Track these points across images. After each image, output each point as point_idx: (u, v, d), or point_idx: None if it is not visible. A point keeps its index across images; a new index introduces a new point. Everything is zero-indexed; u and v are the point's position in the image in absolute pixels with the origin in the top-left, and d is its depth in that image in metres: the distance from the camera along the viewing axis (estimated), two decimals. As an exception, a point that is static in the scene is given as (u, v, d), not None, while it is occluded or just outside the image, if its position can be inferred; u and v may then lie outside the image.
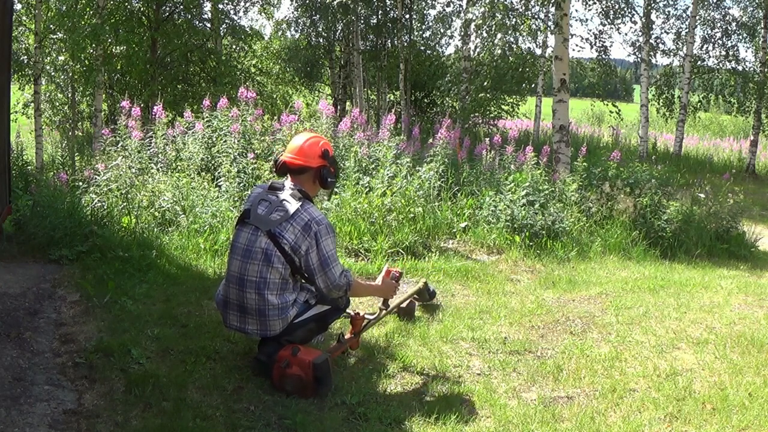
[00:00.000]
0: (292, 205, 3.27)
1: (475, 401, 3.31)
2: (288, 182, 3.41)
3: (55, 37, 12.84)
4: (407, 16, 16.72)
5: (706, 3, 16.57)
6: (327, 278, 3.29)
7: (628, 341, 4.23)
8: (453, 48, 29.37)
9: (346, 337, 3.68)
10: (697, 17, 16.20)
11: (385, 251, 5.75)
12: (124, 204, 5.69)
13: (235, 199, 6.24)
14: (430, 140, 7.86)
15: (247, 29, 15.37)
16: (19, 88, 14.81)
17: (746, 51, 48.07)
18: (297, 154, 3.40)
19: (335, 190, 6.49)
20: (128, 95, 9.17)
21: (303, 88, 20.61)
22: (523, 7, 10.68)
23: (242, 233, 3.32)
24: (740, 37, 16.59)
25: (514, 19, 10.44)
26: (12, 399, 2.94)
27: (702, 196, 7.60)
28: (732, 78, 16.64)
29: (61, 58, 13.77)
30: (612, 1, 14.91)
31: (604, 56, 14.75)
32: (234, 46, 16.86)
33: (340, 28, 17.97)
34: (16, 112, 14.39)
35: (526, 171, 7.31)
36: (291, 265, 3.25)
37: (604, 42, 15.04)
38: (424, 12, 17.90)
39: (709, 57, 16.65)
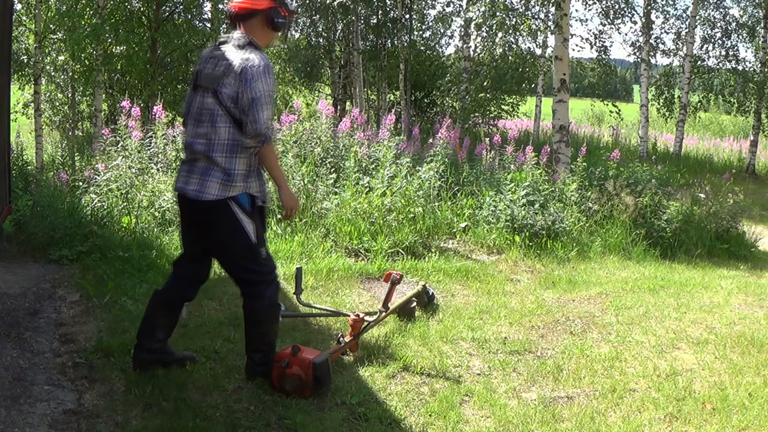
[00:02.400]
0: (235, 55, 3.02)
1: (475, 401, 3.31)
2: (236, 33, 3.13)
3: (55, 37, 12.82)
4: (407, 16, 16.69)
5: (706, 3, 16.57)
6: (253, 121, 2.95)
7: (628, 341, 4.23)
8: (453, 48, 29.43)
9: (345, 339, 3.68)
10: (697, 17, 16.19)
11: (385, 251, 5.75)
12: (124, 204, 5.69)
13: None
14: (430, 140, 7.86)
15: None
16: (19, 88, 14.80)
17: (746, 51, 48.12)
18: None
19: (335, 189, 6.49)
20: (128, 95, 9.18)
21: (303, 88, 20.59)
22: (523, 7, 10.69)
23: (194, 98, 3.12)
24: (740, 37, 16.59)
25: (514, 19, 10.45)
26: (12, 399, 2.94)
27: (702, 196, 7.60)
28: (732, 78, 16.64)
29: (61, 58, 13.74)
30: (612, 1, 14.91)
31: (604, 56, 14.75)
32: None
33: (340, 28, 17.96)
34: (16, 112, 14.37)
35: (526, 171, 7.32)
36: (237, 125, 3.01)
37: (604, 42, 15.08)
38: (424, 12, 17.89)
39: (709, 57, 16.66)
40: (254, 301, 3.19)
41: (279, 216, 6.11)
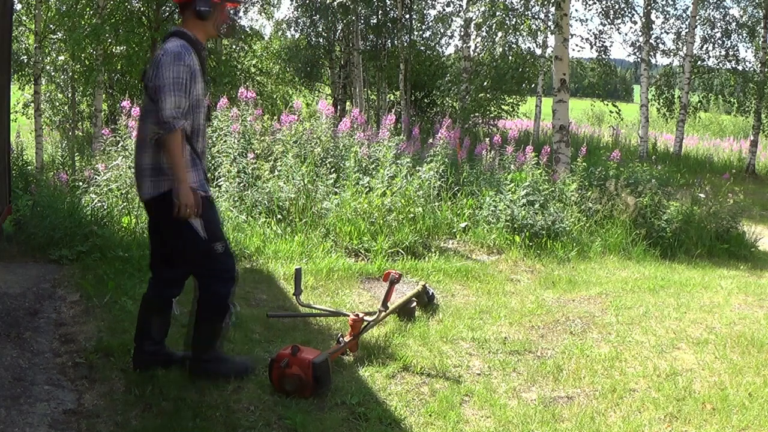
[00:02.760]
0: (160, 48, 3.02)
1: (475, 401, 3.31)
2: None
3: (55, 37, 12.82)
4: (407, 16, 16.70)
5: (706, 3, 16.57)
6: (160, 108, 2.87)
7: (628, 341, 4.23)
8: (453, 48, 29.40)
9: (345, 339, 3.68)
10: (697, 17, 16.19)
11: (385, 251, 5.75)
12: (124, 204, 5.69)
13: (235, 199, 6.24)
14: (430, 140, 7.87)
15: (247, 29, 15.37)
16: (19, 88, 14.80)
17: (746, 51, 48.13)
18: None
19: (335, 189, 6.49)
20: (128, 95, 9.17)
21: (303, 88, 20.60)
22: (523, 7, 10.68)
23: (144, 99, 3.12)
24: (740, 37, 16.60)
25: (514, 19, 10.44)
26: (12, 399, 2.94)
27: (702, 196, 7.60)
28: (732, 78, 16.64)
29: (61, 58, 13.75)
30: (612, 1, 14.91)
31: (604, 56, 14.74)
32: (234, 46, 16.85)
33: (340, 28, 17.97)
34: (16, 112, 14.38)
35: (526, 171, 7.32)
36: None
37: (604, 42, 15.08)
38: (424, 12, 17.89)
39: (709, 57, 16.67)
40: (204, 294, 3.13)
41: (279, 216, 6.11)
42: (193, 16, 3.07)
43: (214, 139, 7.09)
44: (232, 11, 3.25)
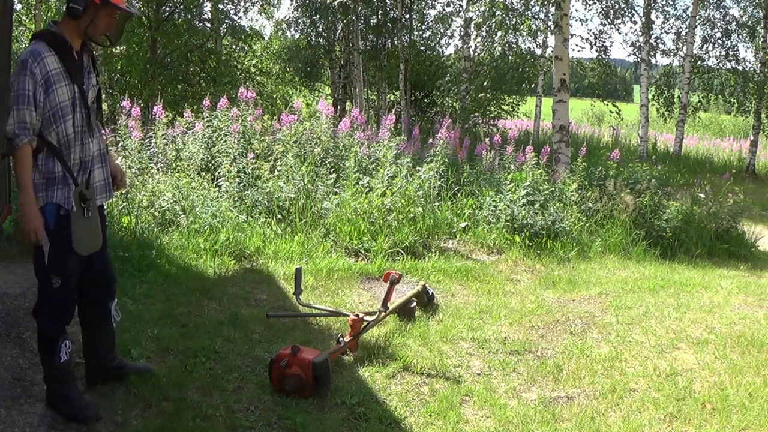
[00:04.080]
0: None
1: (475, 401, 3.31)
2: None
3: (55, 37, 12.82)
4: (407, 16, 16.70)
5: (706, 3, 16.57)
6: (6, 123, 2.62)
7: (628, 341, 4.23)
8: (453, 48, 29.40)
9: (345, 339, 3.68)
10: (697, 17, 16.19)
11: (385, 251, 5.75)
12: (124, 204, 5.69)
13: (235, 199, 6.24)
14: (430, 140, 7.87)
15: (247, 29, 15.37)
16: (19, 88, 14.79)
17: (746, 51, 48.14)
18: None
19: (335, 189, 6.48)
20: (128, 95, 9.17)
21: (303, 88, 20.59)
22: (523, 7, 10.68)
23: None
24: (740, 37, 16.59)
25: (514, 19, 10.45)
26: (12, 399, 2.94)
27: (702, 196, 7.60)
28: (732, 78, 16.64)
29: (61, 58, 13.74)
30: (612, 1, 14.91)
31: (604, 56, 14.74)
32: (234, 46, 16.85)
33: (340, 28, 17.96)
34: (16, 112, 14.37)
35: (526, 171, 7.32)
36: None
37: (604, 42, 15.08)
38: (424, 12, 17.88)
39: (709, 57, 16.67)
40: (38, 320, 2.87)
41: (279, 216, 6.11)
42: (66, 13, 2.74)
43: (214, 139, 7.09)
44: (118, 17, 2.84)
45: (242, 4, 16.61)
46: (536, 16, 12.45)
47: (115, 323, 3.14)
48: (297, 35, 19.71)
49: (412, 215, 6.35)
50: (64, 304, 2.85)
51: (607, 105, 11.62)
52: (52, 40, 2.71)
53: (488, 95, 13.00)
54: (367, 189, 6.47)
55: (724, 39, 16.46)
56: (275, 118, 7.81)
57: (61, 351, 2.82)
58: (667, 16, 17.92)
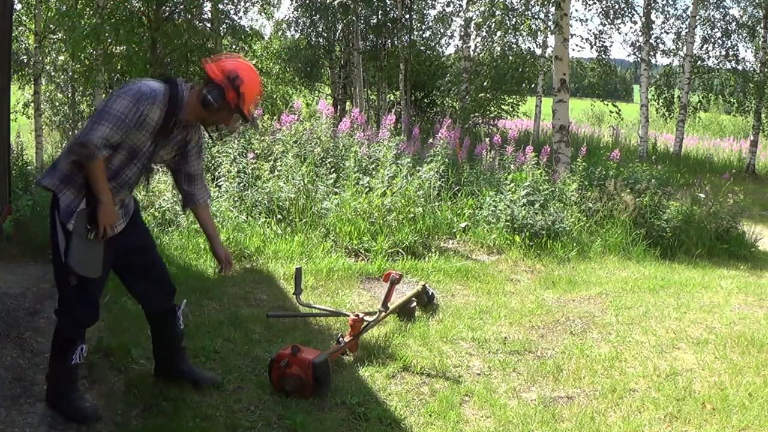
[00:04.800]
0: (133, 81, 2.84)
1: (475, 401, 3.31)
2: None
3: (55, 37, 12.82)
4: (407, 16, 16.70)
5: (706, 3, 16.57)
6: (85, 132, 2.63)
7: (628, 341, 4.23)
8: (453, 48, 29.40)
9: (345, 339, 3.68)
10: (697, 17, 16.19)
11: (385, 251, 5.75)
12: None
13: (235, 199, 6.24)
14: (430, 140, 7.87)
15: (247, 29, 15.35)
16: (19, 88, 14.80)
17: (746, 51, 48.13)
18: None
19: (335, 189, 6.48)
20: (128, 95, 9.15)
21: (303, 88, 20.58)
22: (523, 7, 10.68)
23: None
24: (740, 37, 16.59)
25: (514, 19, 10.45)
26: (12, 399, 2.94)
27: (702, 196, 7.60)
28: (732, 78, 16.64)
29: (61, 58, 13.74)
30: (612, 1, 14.91)
31: (604, 56, 14.75)
32: (234, 46, 16.84)
33: (340, 28, 17.96)
34: (16, 112, 14.37)
35: (526, 171, 7.32)
36: None
37: (604, 42, 15.08)
38: (424, 12, 17.88)
39: (709, 57, 16.66)
40: (58, 318, 2.89)
41: (279, 216, 6.11)
42: (199, 93, 2.80)
43: (214, 138, 7.08)
44: (238, 122, 2.92)
45: (242, 4, 16.59)
46: (536, 16, 12.45)
47: (183, 325, 3.19)
48: (297, 35, 19.71)
49: (412, 215, 6.35)
50: (83, 304, 2.82)
51: (607, 105, 11.62)
52: (173, 99, 2.75)
53: (488, 95, 13.00)
54: (367, 189, 6.47)
55: (724, 39, 16.46)
56: (275, 118, 7.80)
57: (75, 354, 2.83)
58: (667, 16, 17.90)
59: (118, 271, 2.99)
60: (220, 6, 14.86)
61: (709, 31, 16.68)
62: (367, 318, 3.83)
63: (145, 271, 3.02)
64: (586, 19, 41.96)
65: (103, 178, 2.70)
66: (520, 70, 12.76)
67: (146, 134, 2.74)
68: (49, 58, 13.58)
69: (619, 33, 79.63)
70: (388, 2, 16.90)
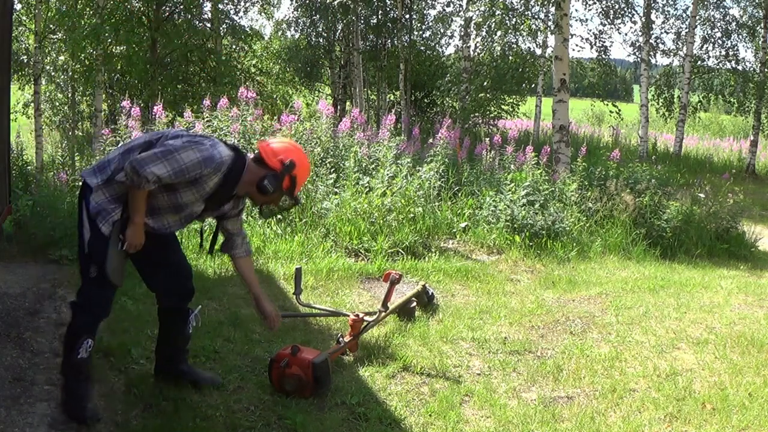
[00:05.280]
0: (207, 139, 2.89)
1: (475, 401, 3.31)
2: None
3: (55, 37, 12.83)
4: (407, 16, 16.70)
5: (706, 3, 16.57)
6: (144, 160, 2.65)
7: (628, 341, 4.23)
8: (453, 48, 29.38)
9: (345, 339, 3.68)
10: (697, 17, 16.19)
11: (385, 251, 5.75)
12: (124, 204, 5.67)
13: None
14: (430, 140, 7.86)
15: (247, 29, 15.36)
16: (19, 88, 14.80)
17: (746, 51, 48.14)
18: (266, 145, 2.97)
19: (335, 189, 6.48)
20: (128, 95, 9.16)
21: (303, 88, 20.59)
22: (523, 7, 10.69)
23: None
24: (740, 37, 16.59)
25: (514, 19, 10.45)
26: (12, 399, 2.94)
27: (702, 196, 7.60)
28: (732, 78, 16.64)
29: (61, 58, 13.75)
30: (612, 1, 14.91)
31: (604, 56, 14.74)
32: (234, 46, 16.85)
33: (340, 28, 17.97)
34: (16, 112, 14.37)
35: (526, 171, 7.32)
36: None
37: (604, 42, 15.09)
38: (424, 12, 17.89)
39: (709, 57, 16.66)
40: (73, 311, 2.92)
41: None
42: (256, 176, 2.85)
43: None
44: (285, 201, 3.01)
45: (242, 4, 16.61)
46: (536, 16, 12.45)
47: (191, 329, 3.21)
48: (297, 35, 19.72)
49: (412, 215, 6.35)
50: (100, 298, 2.88)
51: (607, 105, 11.62)
52: (232, 172, 2.81)
53: (488, 95, 13.00)
54: (367, 189, 6.47)
55: (724, 39, 16.46)
56: (275, 118, 7.80)
57: (80, 348, 2.85)
58: (667, 16, 17.90)
59: (138, 264, 3.07)
60: (220, 6, 14.87)
61: (709, 31, 16.69)
62: (367, 318, 3.83)
63: (166, 267, 3.10)
64: (586, 19, 42.03)
65: (142, 204, 2.77)
66: (520, 70, 12.76)
67: (198, 196, 2.82)
68: (49, 58, 13.59)
69: (619, 33, 79.65)
70: (388, 2, 16.90)
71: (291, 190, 2.90)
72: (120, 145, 3.13)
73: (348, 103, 18.55)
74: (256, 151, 2.95)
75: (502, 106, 15.85)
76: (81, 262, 2.87)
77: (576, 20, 23.09)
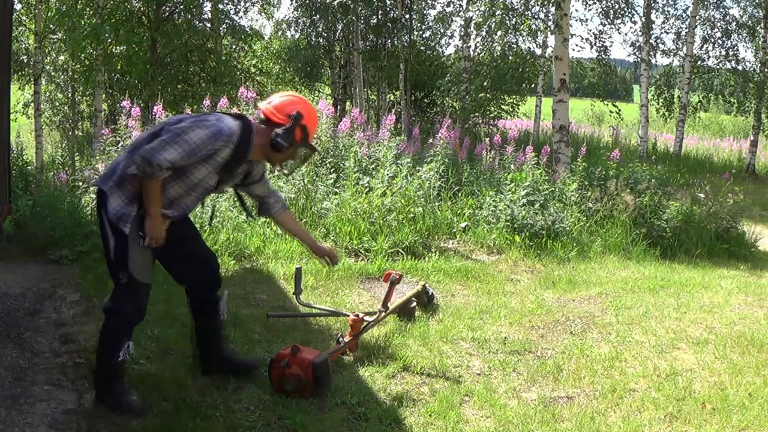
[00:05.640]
0: (212, 114, 2.96)
1: (475, 401, 3.31)
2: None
3: (55, 37, 12.83)
4: (407, 16, 16.71)
5: (706, 3, 16.57)
6: (154, 149, 2.68)
7: (628, 341, 4.23)
8: (453, 48, 29.39)
9: (345, 339, 3.68)
10: (697, 17, 16.19)
11: (385, 251, 5.75)
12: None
13: (235, 198, 6.24)
14: (430, 140, 7.86)
15: (247, 29, 15.36)
16: (19, 88, 14.80)
17: (746, 51, 48.15)
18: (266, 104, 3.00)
19: (335, 189, 6.48)
20: (128, 95, 9.16)
21: (303, 88, 20.58)
22: (523, 7, 10.69)
23: None
24: (740, 37, 16.59)
25: (514, 19, 10.45)
26: (12, 399, 2.94)
27: (702, 196, 7.60)
28: (732, 78, 16.64)
29: (61, 58, 13.75)
30: (612, 1, 14.91)
31: (604, 56, 14.75)
32: (234, 46, 16.85)
33: (340, 28, 17.96)
34: (16, 112, 14.37)
35: (526, 171, 7.32)
36: None
37: (604, 42, 15.08)
38: (424, 12, 17.90)
39: (709, 57, 16.67)
40: (106, 316, 2.95)
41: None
42: (267, 136, 2.89)
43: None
44: (302, 152, 3.06)
45: (242, 4, 16.60)
46: (536, 16, 12.45)
47: (223, 316, 3.28)
48: (297, 35, 19.72)
49: (412, 215, 6.35)
50: (135, 303, 2.90)
51: (607, 105, 11.63)
52: (244, 140, 2.85)
53: (488, 95, 13.01)
54: (367, 189, 6.47)
55: (724, 39, 16.46)
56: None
57: (121, 352, 2.91)
58: (667, 16, 17.94)
59: (164, 261, 3.11)
60: (220, 6, 14.87)
61: (709, 31, 16.70)
62: (367, 318, 3.83)
63: (192, 260, 3.15)
64: (586, 19, 42.04)
65: (158, 194, 2.79)
66: (520, 70, 12.77)
67: (210, 169, 2.85)
68: (49, 58, 13.59)
69: (619, 33, 79.64)
70: (388, 2, 16.90)
71: (305, 139, 2.94)
72: (125, 148, 3.16)
73: (348, 103, 18.54)
74: (260, 115, 2.96)
75: (502, 106, 15.86)
76: (110, 270, 2.89)
77: (576, 20, 23.12)
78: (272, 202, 3.23)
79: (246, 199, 3.39)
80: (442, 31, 17.85)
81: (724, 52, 16.43)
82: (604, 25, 19.16)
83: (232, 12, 15.93)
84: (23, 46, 13.81)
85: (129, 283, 2.83)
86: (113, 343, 2.90)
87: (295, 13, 18.45)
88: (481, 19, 10.78)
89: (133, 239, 2.80)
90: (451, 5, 14.55)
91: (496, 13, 10.07)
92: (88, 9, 12.31)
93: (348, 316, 3.82)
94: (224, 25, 14.91)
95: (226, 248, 5.33)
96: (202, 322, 3.27)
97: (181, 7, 13.77)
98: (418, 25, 18.05)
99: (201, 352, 3.33)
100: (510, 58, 12.30)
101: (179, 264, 3.15)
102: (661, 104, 17.17)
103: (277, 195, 3.27)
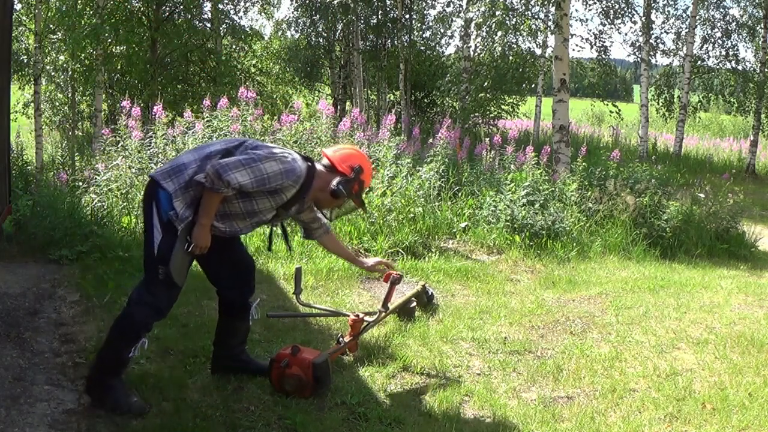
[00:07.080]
0: (287, 153, 3.03)
1: (475, 401, 3.31)
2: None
3: (55, 37, 12.83)
4: (407, 16, 16.71)
5: (706, 3, 16.57)
6: (228, 165, 2.77)
7: (628, 341, 4.23)
8: (453, 48, 29.39)
9: (345, 339, 3.68)
10: (697, 17, 16.19)
11: (385, 251, 5.75)
12: (124, 204, 5.69)
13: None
14: (430, 140, 7.86)
15: (247, 29, 15.36)
16: (19, 88, 14.81)
17: (746, 51, 48.14)
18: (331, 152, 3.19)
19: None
20: (128, 95, 9.16)
21: (303, 88, 20.58)
22: (523, 7, 10.69)
23: None
24: (740, 37, 16.60)
25: (514, 19, 10.45)
26: (12, 399, 2.94)
27: (702, 196, 7.60)
28: (732, 78, 16.64)
29: (61, 58, 13.76)
30: (612, 1, 14.91)
31: (604, 56, 14.74)
32: (234, 46, 16.85)
33: (340, 28, 17.96)
34: (16, 112, 14.39)
35: (526, 171, 7.31)
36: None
37: (604, 42, 15.08)
38: (424, 12, 17.90)
39: (709, 57, 16.67)
40: (123, 310, 2.99)
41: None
42: (326, 182, 3.04)
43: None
44: (349, 204, 3.23)
45: (242, 4, 16.61)
46: (536, 16, 12.45)
47: (252, 321, 3.36)
48: (297, 35, 19.72)
49: (412, 215, 6.35)
50: (166, 299, 2.96)
51: (607, 105, 11.62)
52: (306, 182, 2.98)
53: (488, 95, 13.01)
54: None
55: (724, 39, 16.46)
56: (275, 118, 7.79)
57: (136, 347, 2.94)
58: (667, 16, 17.95)
59: (204, 263, 3.18)
60: (220, 6, 14.87)
61: (709, 31, 16.70)
62: (367, 318, 3.83)
63: (231, 265, 3.22)
64: (586, 19, 42.01)
65: (214, 208, 2.87)
66: (520, 70, 12.78)
67: (272, 204, 2.97)
68: (49, 58, 13.59)
69: (619, 33, 79.64)
70: (388, 2, 16.90)
71: (359, 193, 3.14)
72: (191, 148, 3.26)
73: (348, 103, 18.54)
74: (323, 159, 3.13)
75: (502, 106, 15.86)
76: (147, 263, 2.93)
77: (576, 20, 23.11)
78: (316, 227, 3.37)
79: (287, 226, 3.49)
80: (442, 31, 17.83)
81: (724, 52, 16.44)
82: (604, 25, 19.17)
83: (232, 12, 15.94)
84: (23, 46, 13.82)
85: (165, 279, 2.88)
86: (132, 335, 2.92)
87: (295, 13, 18.45)
88: (481, 20, 10.78)
89: (181, 240, 2.86)
90: (451, 5, 14.55)
91: (496, 14, 10.07)
92: (88, 9, 12.31)
93: (348, 316, 3.82)
94: (224, 25, 14.92)
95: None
96: (227, 323, 3.32)
97: (181, 7, 13.77)
98: (418, 25, 18.05)
99: (215, 349, 3.37)
100: (510, 58, 12.30)
101: (219, 268, 3.22)
102: (661, 104, 17.17)
103: (322, 219, 3.38)
